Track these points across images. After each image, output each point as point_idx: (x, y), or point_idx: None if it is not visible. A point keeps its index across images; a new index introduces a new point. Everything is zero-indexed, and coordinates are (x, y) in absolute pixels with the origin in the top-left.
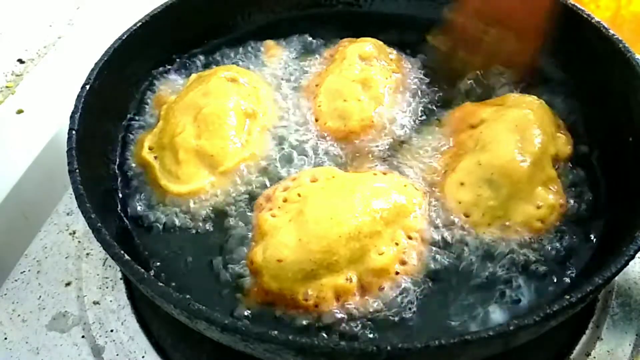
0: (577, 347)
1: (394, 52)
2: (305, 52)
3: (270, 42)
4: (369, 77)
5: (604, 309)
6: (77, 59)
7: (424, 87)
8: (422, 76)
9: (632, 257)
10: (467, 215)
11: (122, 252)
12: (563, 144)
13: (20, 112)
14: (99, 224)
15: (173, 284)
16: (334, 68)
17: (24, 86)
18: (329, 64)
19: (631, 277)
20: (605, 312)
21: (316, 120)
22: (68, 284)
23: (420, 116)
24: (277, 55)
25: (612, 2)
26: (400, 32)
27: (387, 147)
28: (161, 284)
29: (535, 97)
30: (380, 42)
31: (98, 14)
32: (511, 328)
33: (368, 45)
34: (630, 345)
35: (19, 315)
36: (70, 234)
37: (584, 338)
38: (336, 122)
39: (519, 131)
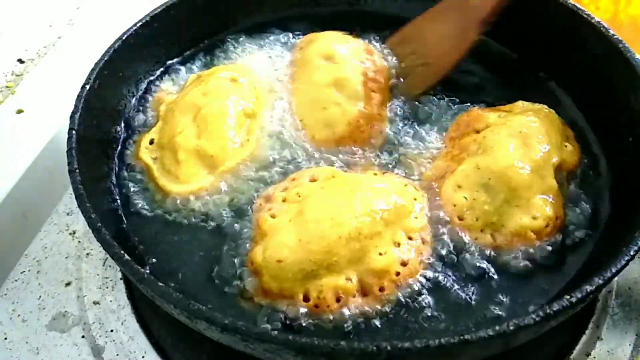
0: (577, 347)
1: (360, 40)
2: None
3: (269, 42)
4: (340, 77)
5: (604, 309)
6: (77, 59)
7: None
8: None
9: (632, 257)
10: (460, 219)
11: (122, 251)
12: (570, 155)
13: (20, 112)
14: (99, 224)
15: (173, 284)
16: (300, 75)
17: (24, 86)
18: (295, 70)
19: (631, 277)
20: (605, 312)
21: (302, 135)
22: (68, 284)
23: (410, 109)
24: (276, 54)
25: (611, 4)
26: None
27: (386, 147)
28: (161, 284)
29: (544, 106)
30: (340, 33)
31: (98, 14)
32: (511, 328)
33: (326, 42)
34: (630, 345)
35: (19, 315)
36: (70, 234)
37: (584, 338)
38: (323, 132)
39: (522, 138)
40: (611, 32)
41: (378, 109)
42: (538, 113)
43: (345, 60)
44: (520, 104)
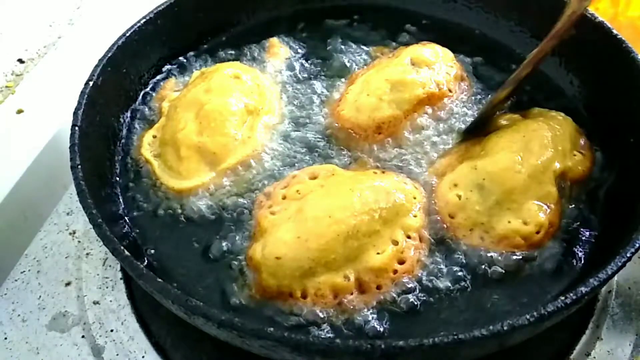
0: (577, 347)
1: (461, 71)
2: (310, 49)
3: (274, 40)
4: (403, 81)
5: (604, 309)
6: (77, 58)
7: (463, 110)
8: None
9: (629, 259)
10: (451, 217)
11: (122, 247)
12: (577, 163)
13: (20, 112)
14: (100, 220)
15: (172, 279)
16: (382, 63)
17: (24, 86)
18: (390, 57)
19: (631, 277)
20: (605, 312)
21: (337, 105)
22: (68, 284)
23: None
24: (280, 52)
25: (610, 6)
26: (403, 27)
27: (390, 150)
28: (160, 280)
29: (560, 113)
30: (450, 55)
31: (98, 14)
32: (505, 328)
33: (427, 50)
34: (630, 345)
35: (19, 315)
36: (70, 233)
37: (584, 338)
38: (350, 112)
39: (524, 142)
40: (614, 32)
41: (408, 126)
42: (550, 119)
43: (428, 75)
44: (535, 109)
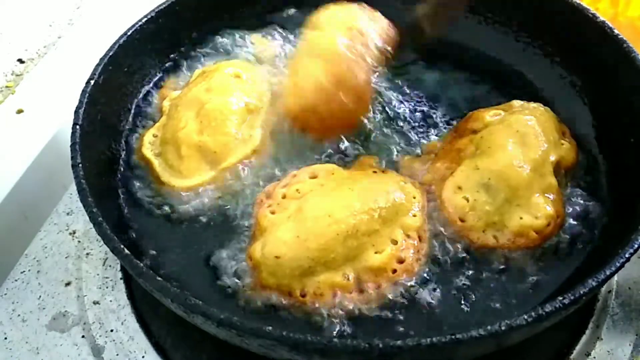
0: (577, 347)
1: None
2: None
3: (257, 36)
4: (335, 52)
5: (604, 309)
6: (77, 58)
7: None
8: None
9: (628, 259)
10: (462, 220)
11: (122, 246)
12: (567, 152)
13: (20, 112)
14: (100, 218)
15: (172, 278)
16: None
17: (24, 86)
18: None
19: (631, 277)
20: (605, 312)
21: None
22: (68, 284)
23: (409, 112)
24: (280, 51)
25: (610, 7)
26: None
27: (385, 148)
28: (159, 278)
29: (539, 104)
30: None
31: (98, 14)
32: (503, 328)
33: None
34: (630, 345)
35: (19, 315)
36: (70, 233)
37: (584, 338)
38: (295, 100)
39: (519, 136)
40: (615, 31)
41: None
42: (534, 111)
43: (364, 49)
44: (516, 103)
